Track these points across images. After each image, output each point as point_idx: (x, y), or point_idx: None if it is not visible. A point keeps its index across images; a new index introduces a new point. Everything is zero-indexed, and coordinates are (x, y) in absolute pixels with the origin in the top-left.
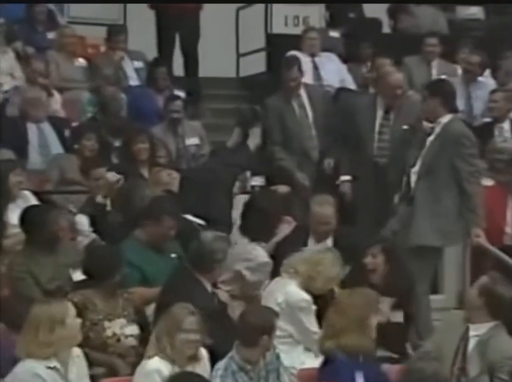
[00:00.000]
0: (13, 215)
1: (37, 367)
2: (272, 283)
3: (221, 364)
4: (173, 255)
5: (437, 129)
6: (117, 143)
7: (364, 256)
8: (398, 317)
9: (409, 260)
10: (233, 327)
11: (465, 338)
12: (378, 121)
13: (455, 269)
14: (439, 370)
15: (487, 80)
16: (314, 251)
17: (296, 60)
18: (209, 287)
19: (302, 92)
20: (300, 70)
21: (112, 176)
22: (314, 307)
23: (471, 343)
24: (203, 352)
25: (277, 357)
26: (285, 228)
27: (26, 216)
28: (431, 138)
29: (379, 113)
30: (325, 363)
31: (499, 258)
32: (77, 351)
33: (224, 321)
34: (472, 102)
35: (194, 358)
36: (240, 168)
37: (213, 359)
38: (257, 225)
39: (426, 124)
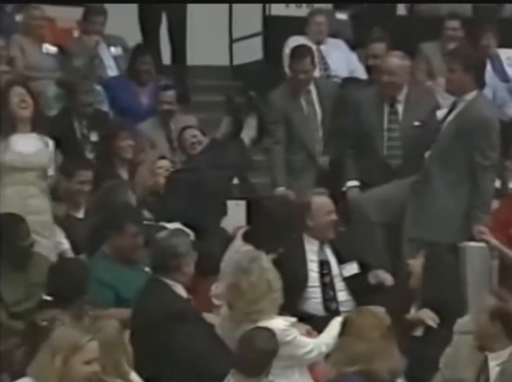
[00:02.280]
0: None
1: None
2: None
3: None
4: (146, 268)
5: (459, 107)
6: (93, 138)
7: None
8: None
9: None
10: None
11: (485, 370)
12: (385, 117)
13: (480, 289)
14: None
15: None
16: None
17: (308, 50)
18: (183, 294)
19: (312, 87)
20: (313, 62)
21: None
22: (288, 322)
23: (493, 373)
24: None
25: None
26: None
27: None
28: (450, 117)
29: (386, 107)
30: None
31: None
32: None
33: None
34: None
35: None
36: (234, 168)
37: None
38: (264, 233)
39: (440, 113)
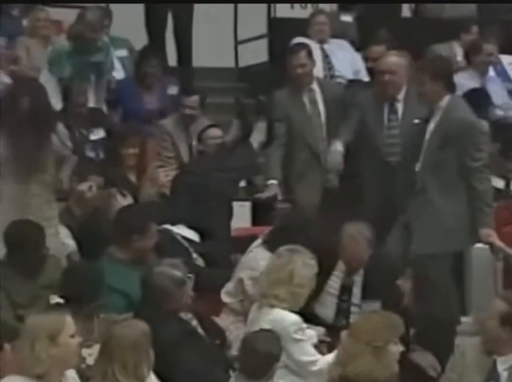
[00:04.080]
0: None
1: None
2: (253, 309)
3: None
4: None
5: (437, 116)
6: (92, 137)
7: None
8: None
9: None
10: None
11: (494, 375)
12: (385, 116)
13: (484, 284)
14: None
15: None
16: (270, 258)
17: (305, 46)
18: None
19: (315, 87)
20: (311, 58)
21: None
22: (305, 326)
23: (502, 378)
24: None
25: None
26: None
27: (13, 231)
28: (430, 127)
29: (386, 107)
30: None
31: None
32: (71, 373)
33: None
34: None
35: None
36: (241, 171)
37: None
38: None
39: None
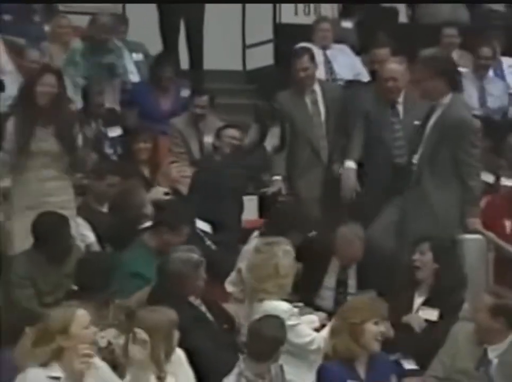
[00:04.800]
0: None
1: (39, 377)
2: (245, 305)
3: (230, 381)
4: None
5: (438, 112)
6: (110, 134)
7: (412, 253)
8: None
9: None
10: (218, 337)
11: (484, 363)
12: (389, 118)
13: (476, 272)
14: None
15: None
16: (253, 255)
17: (307, 50)
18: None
19: (317, 88)
20: (313, 61)
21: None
22: (296, 310)
23: (493, 365)
24: (180, 354)
25: (281, 369)
26: None
27: (41, 223)
28: (430, 122)
29: (388, 110)
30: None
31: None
32: (98, 363)
33: (206, 330)
34: (486, 96)
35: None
36: (255, 171)
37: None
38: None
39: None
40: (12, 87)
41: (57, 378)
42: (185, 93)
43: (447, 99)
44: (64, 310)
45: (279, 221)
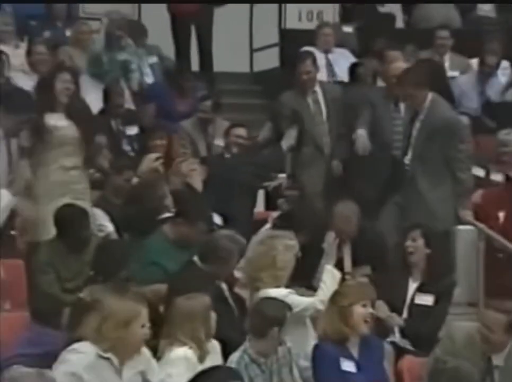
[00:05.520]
0: None
1: (89, 352)
2: (245, 293)
3: (234, 357)
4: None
5: (421, 116)
6: (128, 132)
7: (405, 239)
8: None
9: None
10: (237, 320)
11: (489, 370)
12: (391, 113)
13: (468, 261)
14: (463, 366)
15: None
16: (255, 246)
17: (310, 54)
18: (216, 280)
19: (318, 89)
20: (315, 65)
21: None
22: (289, 290)
23: (497, 372)
24: (215, 344)
25: (289, 351)
26: None
27: (63, 214)
28: (417, 125)
29: (391, 105)
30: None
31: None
32: (146, 351)
33: (228, 313)
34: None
35: (206, 349)
36: (266, 168)
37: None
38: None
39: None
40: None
41: (106, 358)
42: (200, 94)
43: (427, 103)
44: (131, 305)
45: (291, 219)
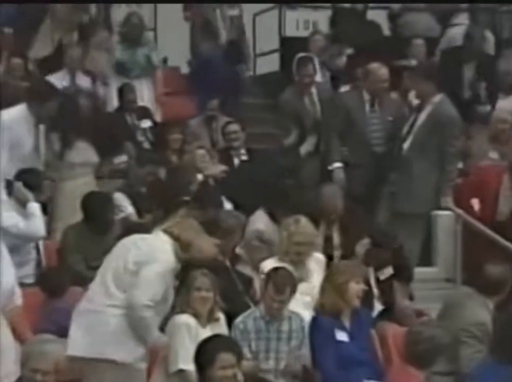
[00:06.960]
0: None
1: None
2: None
3: (247, 312)
4: None
5: (428, 108)
6: (142, 125)
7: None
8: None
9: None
10: (241, 294)
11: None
12: (367, 113)
13: (447, 242)
14: (438, 335)
15: None
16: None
17: (311, 60)
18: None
19: (313, 90)
20: (314, 69)
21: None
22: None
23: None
24: (220, 314)
25: (303, 329)
26: None
27: (89, 200)
28: (422, 116)
29: (367, 106)
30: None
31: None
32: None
33: (233, 286)
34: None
35: (213, 318)
36: (284, 168)
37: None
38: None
39: (414, 100)
40: None
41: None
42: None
43: (437, 98)
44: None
45: (281, 202)
